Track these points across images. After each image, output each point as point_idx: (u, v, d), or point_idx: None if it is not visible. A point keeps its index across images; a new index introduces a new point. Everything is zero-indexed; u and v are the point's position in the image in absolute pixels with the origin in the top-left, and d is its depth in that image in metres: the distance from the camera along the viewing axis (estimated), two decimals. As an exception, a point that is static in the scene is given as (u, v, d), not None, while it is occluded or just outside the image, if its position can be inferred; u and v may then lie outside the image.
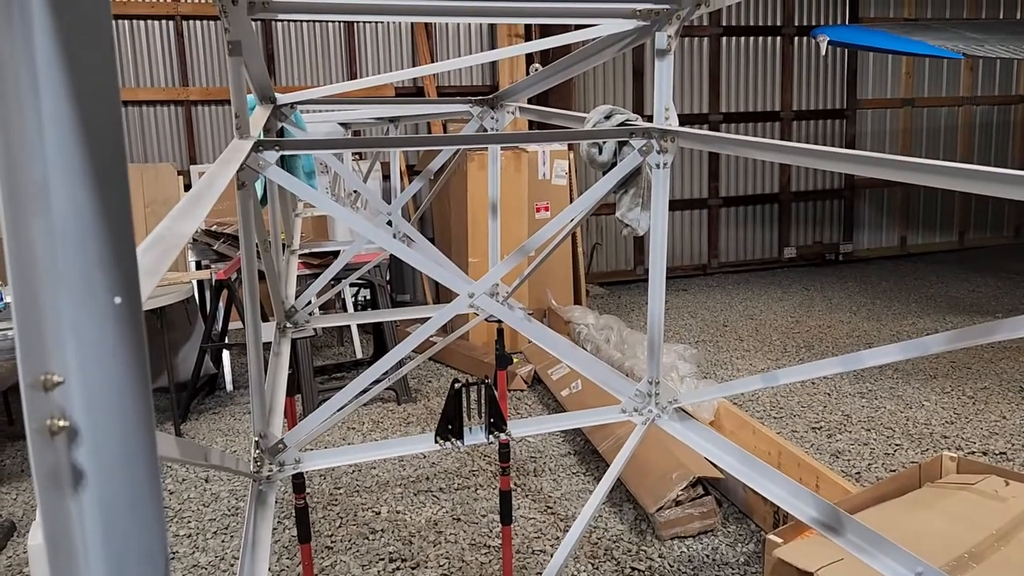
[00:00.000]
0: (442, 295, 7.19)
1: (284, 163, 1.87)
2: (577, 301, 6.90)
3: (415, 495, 3.93)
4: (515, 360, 5.47)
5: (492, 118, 2.84)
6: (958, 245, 9.98)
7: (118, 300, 0.56)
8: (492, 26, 7.67)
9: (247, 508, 1.76)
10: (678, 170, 8.81)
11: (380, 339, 5.62)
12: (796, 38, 9.03)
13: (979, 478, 3.01)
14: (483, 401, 2.03)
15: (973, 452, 4.18)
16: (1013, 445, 4.26)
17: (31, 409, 0.54)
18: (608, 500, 3.76)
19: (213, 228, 5.77)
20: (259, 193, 2.39)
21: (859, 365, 1.64)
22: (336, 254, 5.08)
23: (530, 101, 3.06)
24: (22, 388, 0.53)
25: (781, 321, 6.91)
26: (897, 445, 4.32)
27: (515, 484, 3.95)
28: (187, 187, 6.89)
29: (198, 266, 5.62)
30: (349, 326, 6.35)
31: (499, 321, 3.05)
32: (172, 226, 0.91)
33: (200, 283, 5.89)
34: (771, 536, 2.73)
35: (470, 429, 2.04)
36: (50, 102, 0.52)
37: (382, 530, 3.60)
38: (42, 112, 0.52)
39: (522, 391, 5.41)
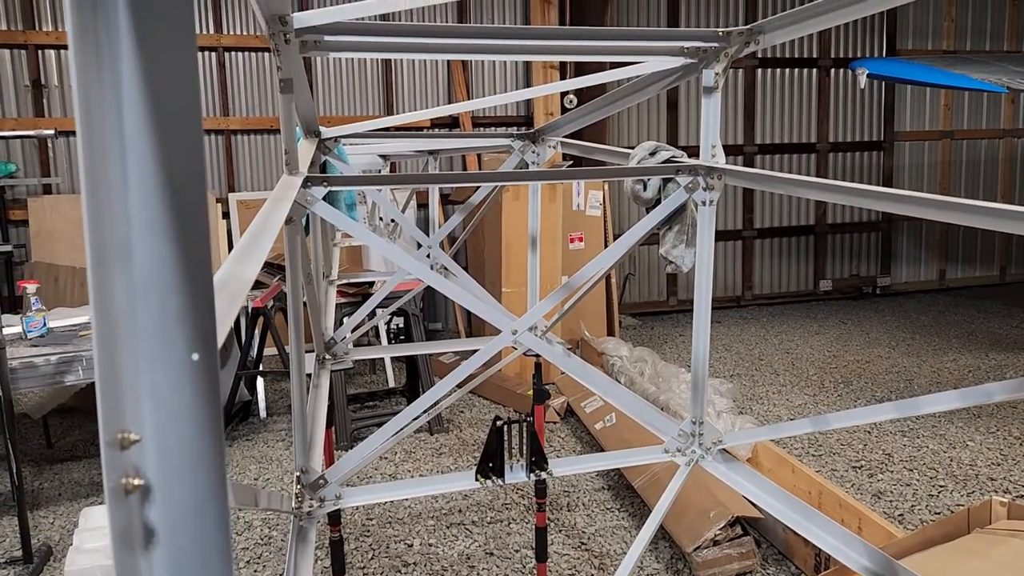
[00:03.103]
0: (474, 324, 7.18)
1: (327, 196, 1.89)
2: (610, 332, 6.86)
3: (447, 528, 3.89)
4: (549, 394, 5.43)
5: (533, 151, 2.84)
6: (999, 280, 9.78)
7: (195, 357, 0.55)
8: (528, 58, 7.73)
9: (288, 544, 1.75)
10: (712, 201, 8.74)
11: (413, 368, 5.61)
12: (832, 70, 8.99)
13: (1031, 525, 2.91)
14: (524, 439, 2.01)
15: (1021, 496, 4.05)
16: (1063, 489, 4.13)
17: (109, 467, 0.53)
18: (644, 538, 3.70)
19: (250, 255, 5.83)
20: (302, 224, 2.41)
21: (916, 411, 1.60)
22: (372, 284, 5.11)
23: (568, 136, 3.06)
24: (101, 445, 0.52)
25: (818, 355, 6.80)
26: (941, 486, 4.21)
27: (549, 519, 3.90)
28: (224, 215, 6.99)
29: (235, 293, 5.66)
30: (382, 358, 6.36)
31: (537, 356, 3.03)
32: (234, 271, 0.91)
33: (236, 310, 5.94)
34: (815, 581, 2.66)
35: (511, 467, 2.02)
36: (136, 158, 0.52)
37: (414, 563, 3.56)
38: (128, 168, 0.52)
39: (555, 423, 5.37)
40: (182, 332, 0.55)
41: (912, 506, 4.00)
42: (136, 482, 0.54)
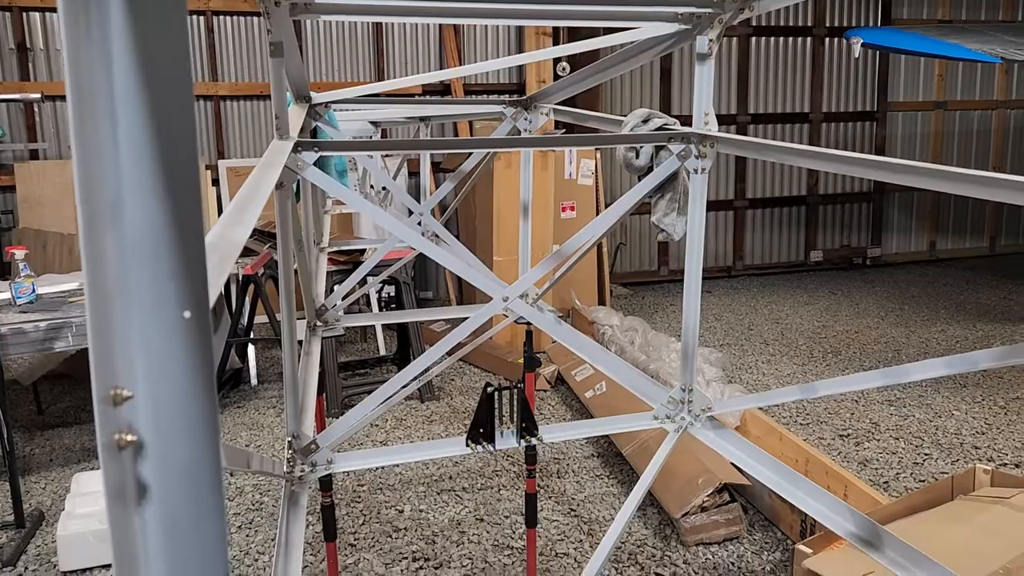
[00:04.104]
0: (465, 293, 7.19)
1: (318, 162, 1.87)
2: (601, 301, 6.87)
3: (438, 494, 3.93)
4: (540, 362, 5.46)
5: (525, 119, 2.83)
6: (989, 251, 9.83)
7: (187, 315, 0.55)
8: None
9: (280, 509, 1.77)
10: (704, 171, 8.73)
11: (404, 336, 5.63)
12: (827, 39, 8.94)
13: (1014, 491, 2.96)
14: (515, 405, 2.02)
15: (1005, 464, 4.11)
16: (1046, 457, 4.20)
17: (102, 423, 0.53)
18: (632, 504, 3.74)
19: (240, 223, 5.81)
20: (293, 191, 2.39)
21: (902, 379, 1.61)
22: (362, 251, 5.10)
23: (561, 103, 3.04)
24: (95, 402, 0.53)
25: (807, 325, 6.84)
26: (927, 455, 4.27)
27: (539, 486, 3.94)
28: (214, 181, 6.94)
29: (225, 260, 5.64)
30: (373, 326, 6.37)
31: (528, 323, 3.04)
32: (224, 233, 0.91)
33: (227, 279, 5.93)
34: (800, 547, 2.71)
35: (501, 433, 2.03)
36: (126, 117, 0.52)
37: (405, 529, 3.60)
38: (118, 127, 0.52)
39: (545, 391, 5.40)
40: (174, 290, 0.55)
41: (897, 474, 4.06)
42: (129, 438, 0.54)
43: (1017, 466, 4.07)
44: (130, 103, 0.52)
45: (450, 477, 4.11)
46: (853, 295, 7.92)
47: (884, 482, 3.97)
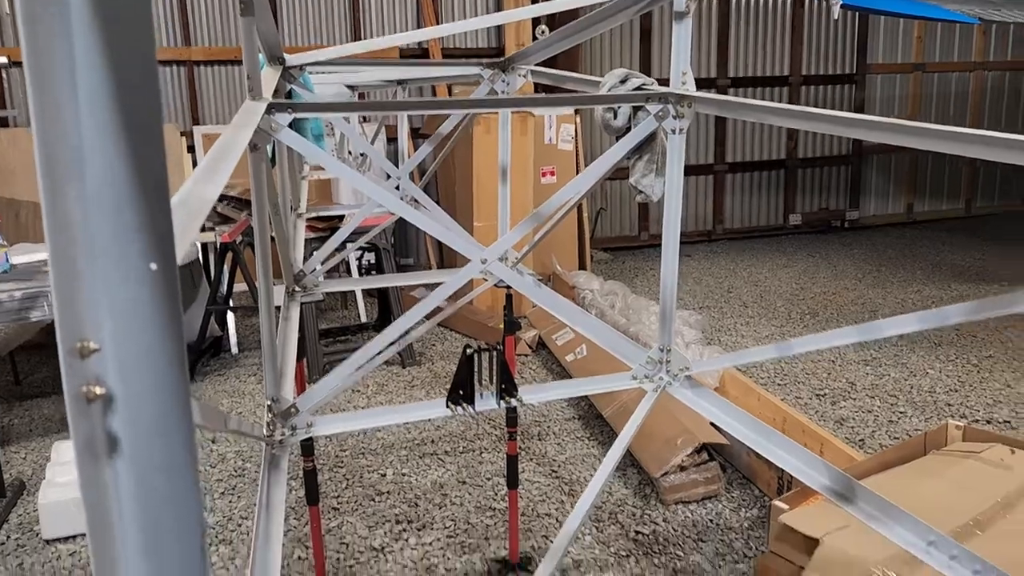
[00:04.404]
0: (446, 259, 7.17)
1: (294, 125, 1.85)
2: (581, 266, 6.89)
3: (420, 458, 3.95)
4: (520, 327, 5.47)
5: (503, 81, 2.80)
6: (965, 213, 9.93)
7: (153, 266, 0.55)
8: (498, -14, 7.55)
9: (260, 472, 1.77)
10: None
11: (384, 303, 5.62)
12: (806, 1, 8.89)
13: (985, 446, 3.02)
14: (494, 367, 2.03)
15: (977, 420, 4.19)
16: (1017, 414, 4.28)
17: (68, 376, 0.53)
18: (613, 465, 3.79)
19: (217, 190, 5.74)
20: (268, 155, 2.37)
21: (876, 335, 1.63)
22: (341, 218, 5.06)
23: (538, 64, 3.02)
24: (60, 355, 0.52)
25: (786, 288, 6.90)
26: (901, 413, 4.34)
27: (520, 448, 3.97)
28: (190, 148, 6.84)
29: (201, 228, 5.59)
30: (353, 290, 6.35)
31: (508, 287, 3.04)
32: (194, 189, 0.90)
33: (204, 246, 5.88)
34: (777, 502, 2.75)
35: (481, 395, 2.04)
36: (85, 66, 0.51)
37: (388, 492, 3.63)
38: (77, 76, 0.51)
39: (526, 356, 5.43)
40: (138, 242, 0.54)
41: (873, 432, 4.13)
42: (97, 391, 0.54)
43: (989, 422, 4.15)
44: (89, 51, 0.51)
45: (432, 441, 4.13)
46: (831, 257, 7.98)
47: (860, 440, 4.04)
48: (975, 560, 1.51)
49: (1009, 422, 4.17)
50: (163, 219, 0.56)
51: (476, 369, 2.02)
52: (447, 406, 2.00)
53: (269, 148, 2.08)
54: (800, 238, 9.02)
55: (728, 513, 3.44)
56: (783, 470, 3.44)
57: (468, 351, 2.00)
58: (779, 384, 4.75)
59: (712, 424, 3.79)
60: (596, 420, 4.28)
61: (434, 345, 5.66)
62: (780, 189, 9.32)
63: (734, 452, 3.75)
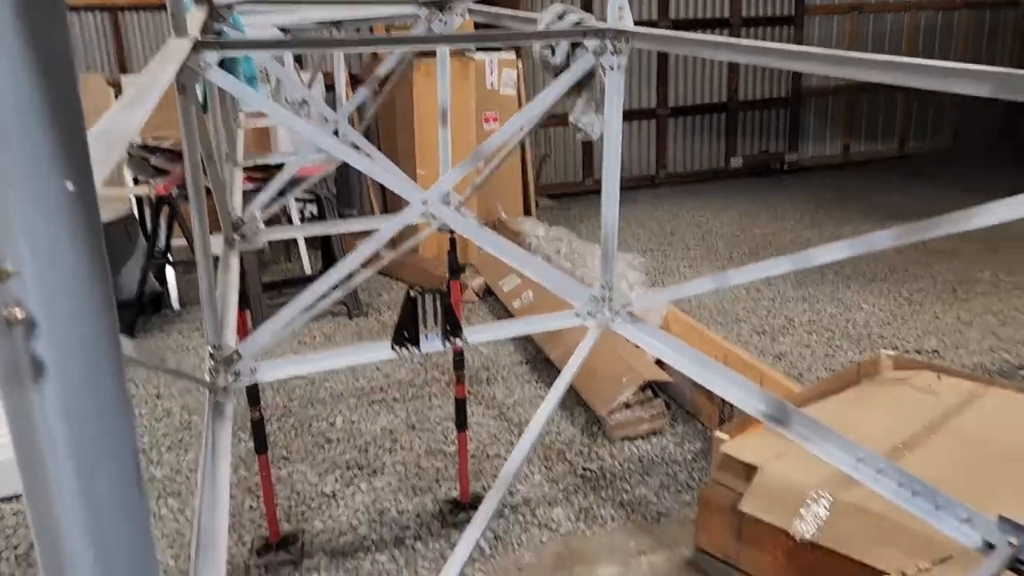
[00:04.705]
0: (390, 207, 7.10)
1: (224, 67, 1.79)
2: (526, 213, 6.88)
3: (369, 405, 3.97)
4: (466, 273, 5.48)
5: (441, 20, 2.75)
6: (899, 152, 10.16)
7: (70, 187, 0.54)
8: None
9: (204, 419, 1.76)
10: (626, 79, 8.71)
11: (329, 254, 5.55)
12: (746, -59, 8.88)
13: (914, 374, 3.16)
14: (438, 309, 2.04)
15: (908, 351, 4.36)
16: (945, 343, 4.46)
17: (-12, 300, 0.52)
18: (560, 405, 3.85)
19: (149, 142, 5.56)
20: (198, 98, 2.30)
21: (808, 263, 1.68)
22: (280, 167, 4.96)
23: (478, 2, 2.97)
24: (-25, 279, 0.51)
25: (727, 230, 7.02)
26: (837, 346, 4.49)
27: (469, 392, 4.00)
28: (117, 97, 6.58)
29: (135, 181, 5.42)
30: (296, 243, 6.26)
31: (451, 231, 3.03)
32: (114, 122, 0.87)
33: (139, 200, 5.71)
34: (718, 433, 2.84)
35: (426, 336, 2.05)
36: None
37: (337, 440, 3.64)
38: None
39: (473, 303, 5.44)
40: (53, 163, 0.53)
41: (810, 365, 4.27)
42: (18, 314, 0.53)
43: (919, 352, 4.32)
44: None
45: (381, 389, 4.14)
46: (771, 199, 8.12)
47: (798, 373, 4.17)
48: (900, 473, 1.59)
49: (937, 351, 4.35)
50: (78, 139, 0.55)
51: (420, 311, 2.03)
52: (392, 348, 2.01)
53: (199, 91, 2.02)
54: (741, 181, 9.14)
55: (672, 447, 3.54)
56: (725, 405, 3.54)
57: (411, 293, 2.00)
58: (720, 323, 4.86)
59: (657, 363, 3.88)
60: (543, 364, 4.34)
61: (381, 295, 5.63)
62: (721, 133, 9.40)
63: (678, 389, 3.85)
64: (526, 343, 4.58)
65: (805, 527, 2.44)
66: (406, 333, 2.00)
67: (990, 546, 1.39)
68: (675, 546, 2.87)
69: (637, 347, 4.00)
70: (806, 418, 1.77)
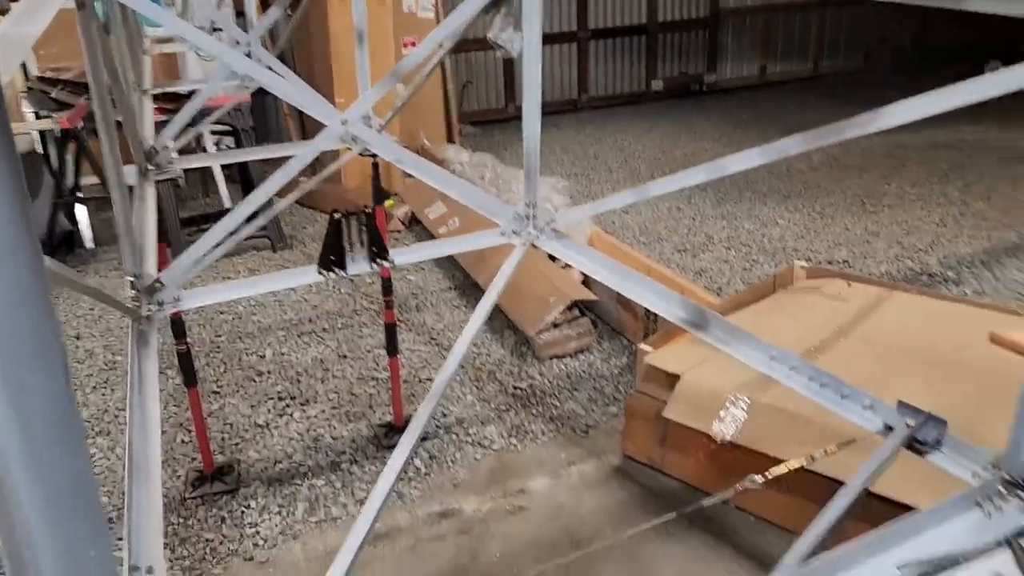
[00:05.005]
0: (309, 136, 6.93)
1: (125, -16, 1.71)
2: (450, 141, 6.82)
3: (299, 337, 3.95)
4: (391, 201, 5.43)
5: (351, -64, 2.66)
6: (813, 72, 10.37)
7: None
8: None
9: (128, 350, 1.74)
10: (547, 2, 8.60)
11: (248, 188, 5.41)
12: None
13: (825, 282, 3.31)
14: (363, 231, 2.03)
15: (820, 262, 4.55)
16: (854, 253, 4.67)
17: None
18: (489, 328, 3.92)
19: (48, 74, 5.26)
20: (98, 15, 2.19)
21: (722, 172, 1.74)
22: (191, 95, 4.77)
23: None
24: None
25: (649, 152, 7.10)
26: (754, 260, 4.65)
27: (399, 319, 4.02)
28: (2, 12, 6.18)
29: (36, 116, 5.14)
30: (214, 177, 6.07)
31: (374, 155, 3.00)
32: (10, 28, 0.84)
33: (43, 136, 5.42)
34: (641, 346, 2.94)
35: (353, 259, 2.05)
36: None
37: (268, 372, 3.62)
38: None
39: (399, 232, 5.41)
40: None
41: (729, 280, 4.42)
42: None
43: (830, 262, 4.51)
44: None
45: (310, 320, 4.12)
46: (691, 121, 8.22)
47: (718, 288, 4.31)
48: (810, 369, 1.69)
49: (847, 261, 4.56)
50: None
51: (345, 234, 2.02)
52: (319, 272, 2.00)
53: (99, 8, 1.92)
54: (662, 103, 9.21)
55: (599, 363, 3.65)
56: (649, 319, 3.65)
57: (336, 216, 1.99)
58: (644, 243, 4.97)
59: (583, 283, 3.96)
60: (472, 289, 4.37)
61: (305, 228, 5.55)
62: (642, 55, 9.41)
63: (604, 307, 3.94)
64: (454, 270, 4.60)
65: (725, 429, 2.57)
66: (332, 256, 2.00)
67: (889, 428, 1.51)
68: (603, 455, 2.99)
69: (563, 269, 4.08)
70: (723, 322, 1.86)
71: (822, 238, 4.92)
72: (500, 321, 3.93)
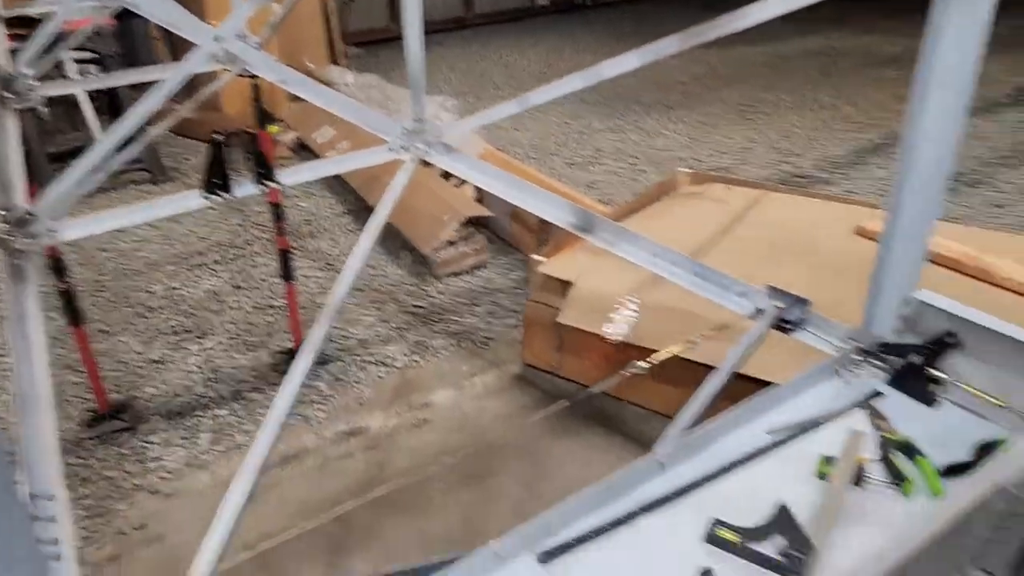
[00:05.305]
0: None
1: None
2: (334, 63, 6.61)
3: (190, 270, 3.84)
4: (276, 127, 5.26)
5: None
6: (693, -16, 10.48)
7: None
8: None
9: (6, 288, 1.68)
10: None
11: (118, 117, 5.12)
12: None
13: (707, 187, 3.45)
14: (247, 152, 1.99)
15: (703, 169, 4.71)
16: (735, 160, 4.86)
17: None
18: (385, 250, 3.92)
19: None
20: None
21: (599, 77, 1.78)
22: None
23: None
24: None
25: (535, 68, 7.09)
26: (642, 171, 4.78)
27: (294, 247, 3.92)
28: None
29: None
30: (81, 108, 5.69)
31: (253, 77, 2.90)
32: None
33: None
34: (535, 256, 3.02)
35: (238, 182, 2.01)
36: None
37: (160, 307, 3.53)
38: None
39: (287, 159, 5.26)
40: None
41: (619, 191, 4.54)
42: None
43: (714, 170, 4.68)
44: None
45: (200, 253, 4.01)
46: (575, 34, 8.22)
47: (609, 198, 4.43)
48: (689, 262, 1.79)
49: (729, 168, 4.74)
50: None
51: (228, 156, 1.97)
52: (203, 196, 1.96)
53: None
54: (547, 18, 9.17)
55: (497, 278, 3.72)
56: (542, 231, 3.72)
57: (216, 137, 1.93)
58: (534, 159, 5.02)
59: (477, 200, 3.99)
60: (366, 213, 4.33)
61: (187, 159, 5.32)
62: (525, -31, 9.29)
63: (498, 223, 3.99)
64: (347, 194, 4.54)
65: (617, 329, 2.69)
66: (216, 180, 1.95)
67: (760, 311, 1.63)
68: (504, 365, 3.08)
69: (457, 187, 4.09)
70: (608, 224, 1.93)
71: (705, 147, 5.09)
72: (396, 242, 3.93)
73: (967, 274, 2.62)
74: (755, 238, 2.98)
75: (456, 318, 3.41)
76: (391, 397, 2.96)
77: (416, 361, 3.14)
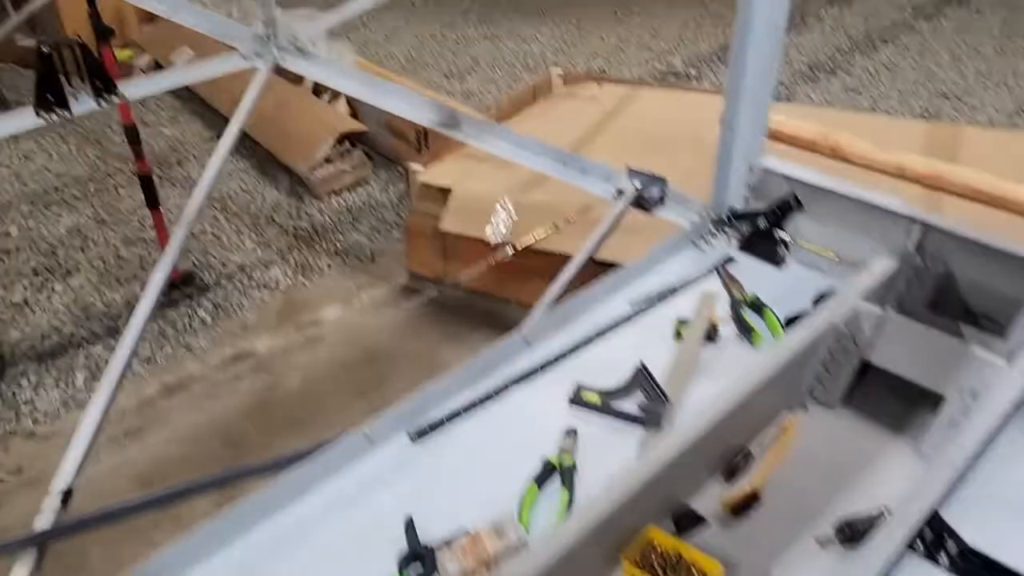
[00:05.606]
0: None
1: None
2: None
3: (47, 208, 3.61)
4: (129, 52, 4.93)
5: None
6: None
7: None
8: None
9: None
10: None
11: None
12: None
13: (580, 87, 3.46)
14: (81, 64, 1.86)
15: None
16: (610, 62, 4.88)
17: None
18: (261, 173, 3.79)
19: None
20: None
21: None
22: None
23: None
24: None
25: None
26: (519, 78, 4.74)
27: (161, 176, 3.76)
28: None
29: None
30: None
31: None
32: None
33: None
34: (413, 166, 2.98)
35: (75, 97, 1.88)
36: None
37: (18, 248, 3.32)
38: None
39: (146, 85, 4.95)
40: None
41: (496, 99, 4.49)
42: None
43: (589, 72, 4.70)
44: None
45: (56, 189, 3.76)
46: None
47: (487, 107, 4.38)
48: (553, 151, 1.81)
49: (604, 69, 4.76)
50: None
51: (61, 69, 1.83)
52: (37, 114, 1.82)
53: None
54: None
55: (378, 193, 3.66)
56: (420, 144, 3.67)
57: (44, 49, 1.79)
58: (409, 71, 4.89)
59: (352, 116, 3.88)
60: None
61: (16, 86, 4.88)
62: None
63: (376, 139, 3.90)
64: (214, 117, 4.32)
65: (497, 231, 2.71)
66: (49, 95, 1.82)
67: (621, 192, 1.66)
68: (391, 277, 3.07)
69: (329, 104, 3.96)
70: (473, 119, 1.92)
71: (579, 50, 5.08)
72: (272, 165, 3.80)
73: (823, 153, 2.74)
74: (626, 130, 3.03)
75: (340, 236, 3.36)
76: (278, 319, 2.91)
77: (301, 281, 3.09)
